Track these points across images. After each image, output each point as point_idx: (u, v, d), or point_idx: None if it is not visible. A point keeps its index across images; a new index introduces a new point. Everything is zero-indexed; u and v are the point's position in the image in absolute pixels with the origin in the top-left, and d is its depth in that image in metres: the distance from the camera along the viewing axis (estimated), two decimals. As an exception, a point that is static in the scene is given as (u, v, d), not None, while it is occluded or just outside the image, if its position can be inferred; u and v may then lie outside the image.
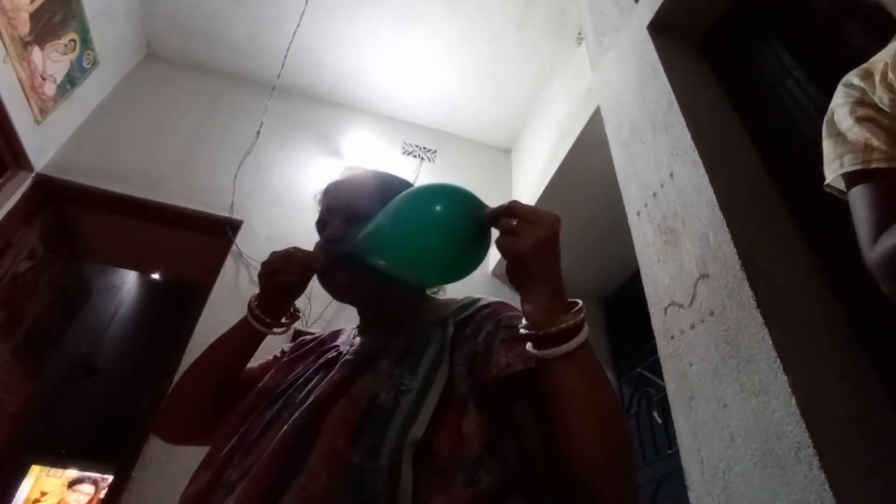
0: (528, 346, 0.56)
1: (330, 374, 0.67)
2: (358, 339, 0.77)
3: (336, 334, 0.86)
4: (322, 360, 0.74)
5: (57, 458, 4.53)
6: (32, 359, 2.78)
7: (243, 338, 0.78)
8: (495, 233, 0.61)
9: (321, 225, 0.80)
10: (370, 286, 0.74)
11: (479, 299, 0.75)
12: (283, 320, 0.78)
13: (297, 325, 0.95)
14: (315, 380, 0.69)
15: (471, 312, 0.72)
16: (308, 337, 0.87)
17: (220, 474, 0.60)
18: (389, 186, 0.78)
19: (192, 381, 0.79)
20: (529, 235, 0.56)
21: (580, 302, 0.56)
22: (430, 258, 0.64)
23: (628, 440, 0.56)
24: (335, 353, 0.75)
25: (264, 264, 0.75)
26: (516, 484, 0.58)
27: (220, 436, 0.68)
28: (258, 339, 0.78)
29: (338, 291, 0.75)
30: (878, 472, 0.75)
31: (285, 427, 0.59)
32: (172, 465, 1.90)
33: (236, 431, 0.66)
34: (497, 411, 0.60)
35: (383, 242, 0.66)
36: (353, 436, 0.56)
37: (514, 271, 0.58)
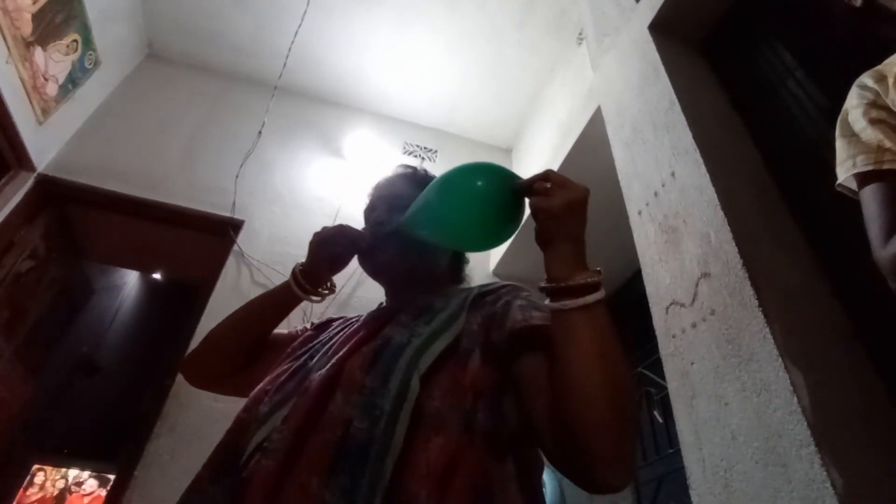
0: (547, 301, 0.59)
1: (353, 329, 0.75)
2: (385, 304, 0.86)
3: (361, 316, 0.91)
4: (346, 327, 0.81)
5: (59, 458, 4.53)
6: (34, 358, 2.79)
7: (281, 300, 0.86)
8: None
9: (370, 211, 0.88)
10: (407, 265, 0.81)
11: (503, 283, 0.80)
12: (321, 290, 0.87)
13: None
14: (339, 337, 0.75)
15: (493, 287, 0.77)
16: (335, 316, 0.94)
17: (252, 409, 0.65)
18: (430, 180, 0.85)
19: (226, 330, 0.86)
20: (561, 196, 0.60)
21: (600, 268, 0.60)
22: (473, 227, 0.70)
23: (632, 401, 0.57)
24: (359, 324, 0.81)
25: (317, 234, 0.84)
26: (513, 438, 0.60)
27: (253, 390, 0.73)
28: (294, 303, 0.86)
29: (378, 268, 0.84)
30: (879, 470, 0.75)
31: (317, 376, 0.64)
32: (175, 463, 1.91)
33: (265, 382, 0.72)
34: (503, 367, 0.63)
35: (430, 216, 0.73)
36: (368, 367, 0.62)
37: (543, 229, 0.62)
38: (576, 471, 0.54)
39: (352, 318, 0.87)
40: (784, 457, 0.79)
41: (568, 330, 0.56)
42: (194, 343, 2.20)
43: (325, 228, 0.84)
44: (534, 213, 0.62)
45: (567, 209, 0.60)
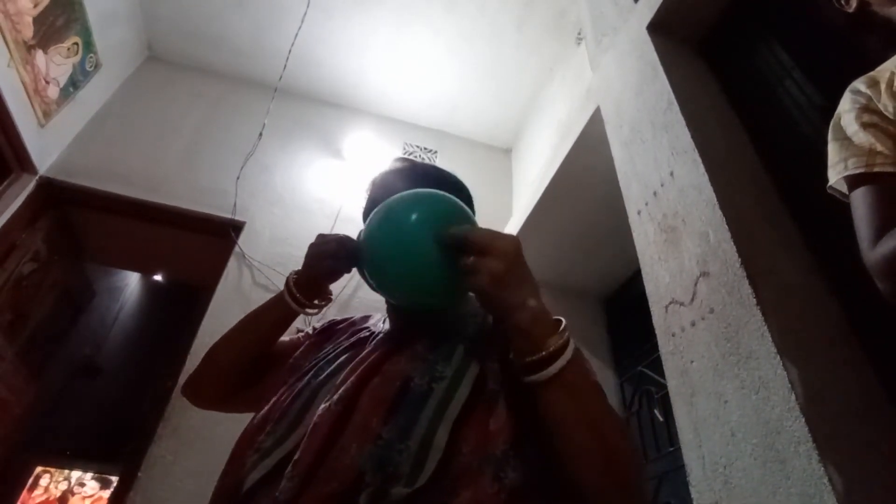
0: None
1: (363, 353, 0.69)
2: (388, 323, 0.79)
3: (366, 318, 0.87)
4: (353, 339, 0.76)
5: (62, 460, 4.55)
6: (37, 360, 2.80)
7: (277, 315, 0.82)
8: None
9: (366, 215, 0.80)
10: None
11: None
12: (317, 301, 0.82)
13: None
14: (345, 357, 0.71)
15: None
16: (339, 318, 0.90)
17: (253, 440, 0.62)
18: (427, 181, 0.77)
19: (224, 350, 0.83)
20: (486, 271, 0.55)
21: (563, 321, 0.56)
22: (396, 277, 0.63)
23: (629, 457, 0.55)
24: (367, 333, 0.77)
25: (315, 245, 0.78)
26: (540, 484, 0.58)
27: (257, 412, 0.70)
28: (291, 316, 0.82)
29: None
30: (876, 466, 0.76)
31: (324, 410, 0.60)
32: (178, 465, 1.92)
33: (269, 403, 0.68)
34: (524, 410, 0.59)
35: (365, 255, 0.67)
36: (387, 415, 0.57)
37: (484, 306, 0.59)
38: None
39: (357, 324, 0.84)
40: (782, 453, 0.80)
41: (546, 403, 0.54)
42: (197, 344, 2.23)
43: (323, 238, 0.77)
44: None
45: (496, 286, 0.55)
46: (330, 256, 0.75)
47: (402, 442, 0.54)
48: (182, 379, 2.11)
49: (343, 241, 0.75)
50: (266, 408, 0.67)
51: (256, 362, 0.82)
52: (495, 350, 0.65)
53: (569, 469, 0.53)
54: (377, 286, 0.67)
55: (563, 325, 0.56)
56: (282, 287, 0.83)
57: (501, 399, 0.60)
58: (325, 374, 0.68)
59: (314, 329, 0.89)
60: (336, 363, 0.70)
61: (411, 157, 3.35)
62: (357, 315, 0.91)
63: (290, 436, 0.60)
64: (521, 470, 0.56)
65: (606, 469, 0.51)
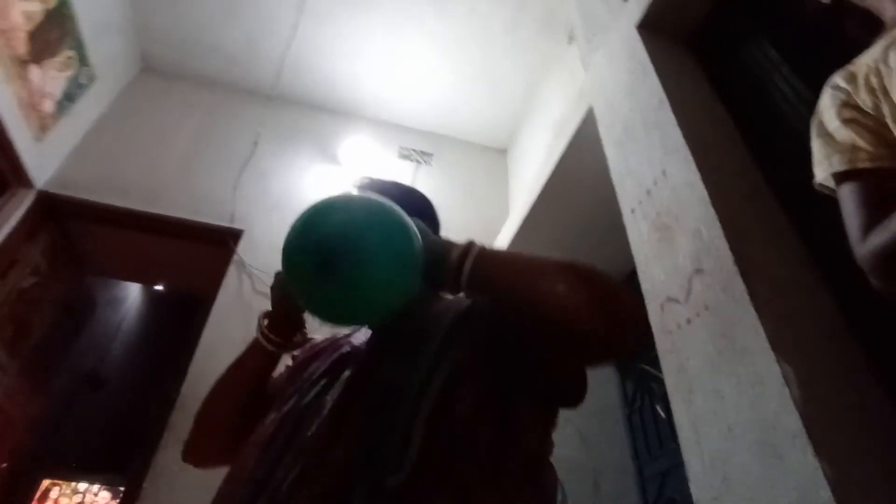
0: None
1: (347, 370, 0.70)
2: (370, 333, 0.79)
3: (348, 333, 0.86)
4: (336, 356, 0.76)
5: (67, 472, 4.55)
6: (40, 374, 2.81)
7: (258, 361, 0.80)
8: None
9: None
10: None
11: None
12: (297, 339, 0.80)
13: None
14: (329, 376, 0.71)
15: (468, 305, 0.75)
16: (319, 338, 0.88)
17: (243, 468, 0.64)
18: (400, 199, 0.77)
19: (213, 409, 0.80)
20: None
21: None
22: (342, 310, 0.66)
23: (586, 277, 0.60)
24: (348, 349, 0.77)
25: (274, 286, 0.78)
26: (521, 455, 0.62)
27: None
28: (273, 358, 0.80)
29: None
30: (871, 457, 0.77)
31: (314, 425, 0.62)
32: (184, 475, 1.92)
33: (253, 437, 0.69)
34: (499, 388, 0.64)
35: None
36: (370, 414, 0.61)
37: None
38: (591, 347, 0.60)
39: (339, 340, 0.83)
40: (779, 448, 0.81)
41: (490, 293, 0.65)
42: (199, 353, 2.23)
43: (282, 276, 0.76)
44: None
45: None
46: (292, 294, 0.74)
47: (386, 436, 0.57)
48: (185, 389, 2.12)
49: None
50: (254, 435, 0.68)
51: (250, 410, 0.78)
52: (469, 339, 0.68)
53: (548, 322, 0.59)
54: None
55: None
56: None
57: (475, 383, 0.63)
58: (311, 395, 0.69)
59: (293, 358, 0.87)
60: (321, 384, 0.70)
61: (407, 160, 3.35)
62: (339, 334, 0.89)
63: (283, 458, 0.61)
64: (501, 446, 0.60)
65: (568, 296, 0.58)
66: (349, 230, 0.63)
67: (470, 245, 0.64)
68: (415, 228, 0.65)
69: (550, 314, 0.58)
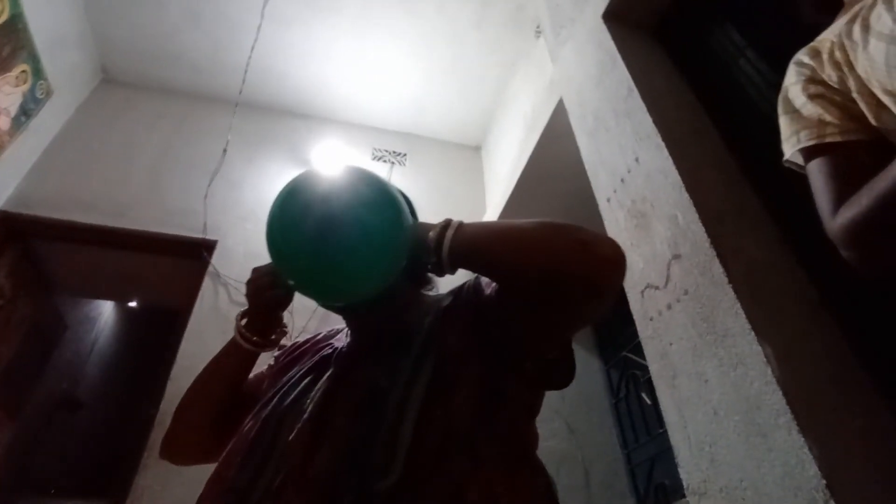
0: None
1: (329, 371, 0.70)
2: (352, 334, 0.78)
3: (333, 333, 0.85)
4: (317, 358, 0.75)
5: (45, 498, 4.41)
6: (12, 399, 2.71)
7: (236, 360, 0.78)
8: None
9: None
10: (369, 306, 0.73)
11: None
12: (273, 337, 0.79)
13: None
14: (310, 378, 0.70)
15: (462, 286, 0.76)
16: (301, 340, 0.87)
17: (223, 476, 0.62)
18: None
19: (191, 406, 0.79)
20: None
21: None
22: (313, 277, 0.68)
23: (561, 233, 0.62)
24: (330, 350, 0.76)
25: (250, 282, 0.76)
26: (515, 452, 0.62)
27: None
28: (251, 357, 0.79)
29: (335, 311, 0.79)
30: (853, 431, 0.78)
31: (296, 429, 0.61)
32: (166, 493, 1.87)
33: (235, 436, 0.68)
34: (488, 382, 0.63)
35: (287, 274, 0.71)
36: (355, 418, 0.60)
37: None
38: (578, 290, 0.59)
39: (321, 342, 0.82)
40: (764, 427, 0.81)
41: (476, 266, 0.65)
42: (177, 368, 2.18)
43: (258, 271, 0.76)
44: None
45: None
46: (268, 287, 0.74)
47: (372, 437, 0.56)
48: (164, 406, 2.06)
49: (274, 271, 0.74)
50: (232, 441, 0.66)
51: (229, 410, 0.78)
52: (453, 334, 0.67)
53: (534, 274, 0.59)
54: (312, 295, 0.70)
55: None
56: None
57: (462, 378, 0.62)
58: (291, 398, 0.68)
59: (275, 359, 0.86)
60: (301, 385, 0.69)
61: (381, 161, 3.33)
62: (326, 329, 0.88)
63: (268, 462, 0.59)
64: (492, 442, 0.59)
65: (551, 243, 0.60)
66: (347, 194, 0.65)
67: (448, 220, 0.65)
68: (403, 202, 0.67)
69: (536, 263, 0.59)
